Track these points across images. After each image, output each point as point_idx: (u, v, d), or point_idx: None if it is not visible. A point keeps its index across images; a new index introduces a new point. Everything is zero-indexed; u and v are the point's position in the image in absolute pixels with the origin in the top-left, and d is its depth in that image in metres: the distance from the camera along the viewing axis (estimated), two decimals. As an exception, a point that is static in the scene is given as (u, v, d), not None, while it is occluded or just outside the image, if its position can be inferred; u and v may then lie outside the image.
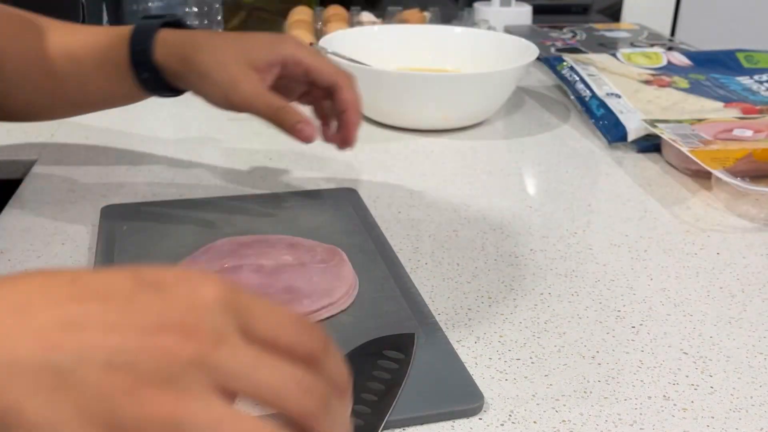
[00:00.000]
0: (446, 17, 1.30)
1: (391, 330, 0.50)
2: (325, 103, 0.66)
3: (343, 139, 0.64)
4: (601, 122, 0.89)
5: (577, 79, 0.98)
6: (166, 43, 0.61)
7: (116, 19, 1.21)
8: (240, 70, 0.58)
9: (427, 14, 1.25)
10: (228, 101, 0.59)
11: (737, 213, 0.71)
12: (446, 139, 0.88)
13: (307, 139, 0.58)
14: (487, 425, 0.43)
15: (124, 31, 0.63)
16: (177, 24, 0.64)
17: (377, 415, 0.42)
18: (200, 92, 0.61)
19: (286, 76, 0.62)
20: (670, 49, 1.18)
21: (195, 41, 0.60)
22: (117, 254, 0.58)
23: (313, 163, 0.80)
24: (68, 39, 0.65)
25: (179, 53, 0.60)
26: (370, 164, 0.80)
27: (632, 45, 1.26)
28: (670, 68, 1.04)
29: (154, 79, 0.62)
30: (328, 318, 0.51)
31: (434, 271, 0.59)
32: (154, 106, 0.98)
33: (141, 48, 0.61)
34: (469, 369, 0.47)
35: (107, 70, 0.63)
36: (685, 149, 0.74)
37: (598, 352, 0.50)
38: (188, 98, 1.01)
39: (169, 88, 0.64)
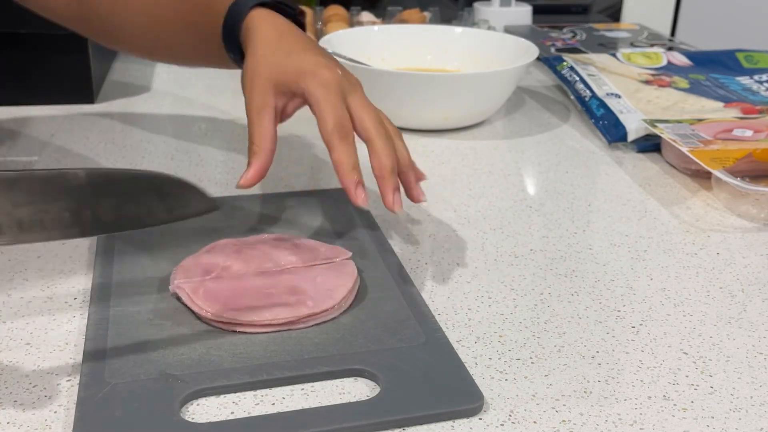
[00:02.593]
0: (446, 17, 1.30)
1: (391, 330, 0.50)
2: None
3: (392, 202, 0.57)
4: (601, 122, 0.89)
5: (577, 79, 0.98)
6: (247, 27, 0.60)
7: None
8: (257, 87, 0.56)
9: (427, 14, 1.25)
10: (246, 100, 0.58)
11: (737, 213, 0.71)
12: (446, 139, 0.88)
13: (241, 187, 0.55)
14: (487, 425, 0.43)
15: (224, 3, 0.62)
16: (277, 5, 0.62)
17: None
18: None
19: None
20: (670, 49, 1.18)
21: (255, 37, 0.59)
22: (117, 254, 0.58)
23: (313, 163, 0.80)
24: None
25: (246, 43, 0.60)
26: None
27: (632, 45, 1.26)
28: (670, 68, 1.04)
29: (241, 57, 0.62)
30: (329, 320, 0.51)
31: (434, 271, 0.59)
32: (154, 106, 0.98)
33: (230, 30, 0.61)
34: (469, 369, 0.47)
35: (204, 41, 0.64)
36: (685, 149, 0.74)
37: (598, 352, 0.50)
38: (188, 98, 1.02)
39: None
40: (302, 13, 0.64)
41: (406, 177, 0.57)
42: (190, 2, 0.64)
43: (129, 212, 0.46)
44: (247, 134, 0.56)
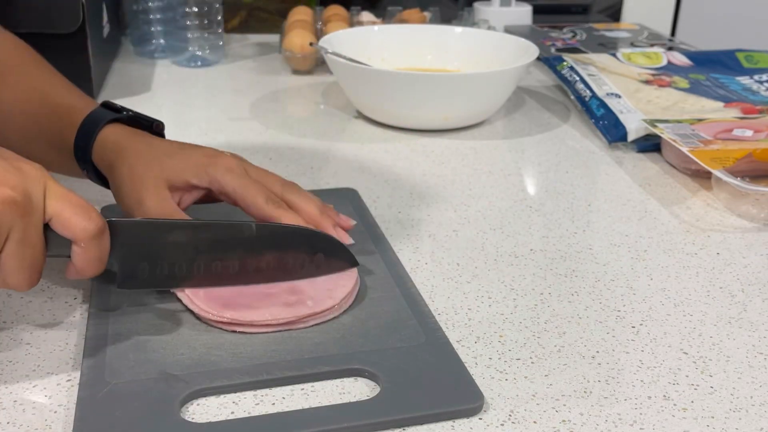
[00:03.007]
0: (446, 17, 1.30)
1: (391, 330, 0.50)
2: None
3: None
4: (601, 122, 0.89)
5: (577, 79, 0.98)
6: (103, 145, 0.58)
7: (116, 19, 1.21)
8: (150, 188, 0.54)
9: (427, 14, 1.25)
10: (133, 216, 0.55)
11: (737, 213, 0.71)
12: (446, 139, 0.88)
13: None
14: (487, 425, 0.43)
15: (80, 115, 0.59)
16: (132, 119, 0.60)
17: None
18: (117, 201, 0.58)
19: (215, 198, 0.58)
20: (670, 49, 1.18)
21: (124, 150, 0.57)
22: (117, 254, 0.58)
23: (313, 162, 0.80)
24: (46, 88, 0.63)
25: (108, 158, 0.57)
26: (370, 164, 0.80)
27: (632, 45, 1.26)
28: (670, 68, 1.04)
29: (94, 173, 0.60)
30: (329, 320, 0.51)
31: (434, 271, 0.59)
32: (153, 106, 0.98)
33: (83, 143, 0.59)
34: (469, 369, 0.47)
35: (56, 149, 0.61)
36: (685, 149, 0.74)
37: (598, 352, 0.50)
38: (187, 99, 1.02)
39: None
40: (161, 124, 0.62)
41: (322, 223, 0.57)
42: (46, 114, 0.62)
43: (286, 264, 0.52)
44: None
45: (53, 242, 0.44)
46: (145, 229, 0.49)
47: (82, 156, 0.59)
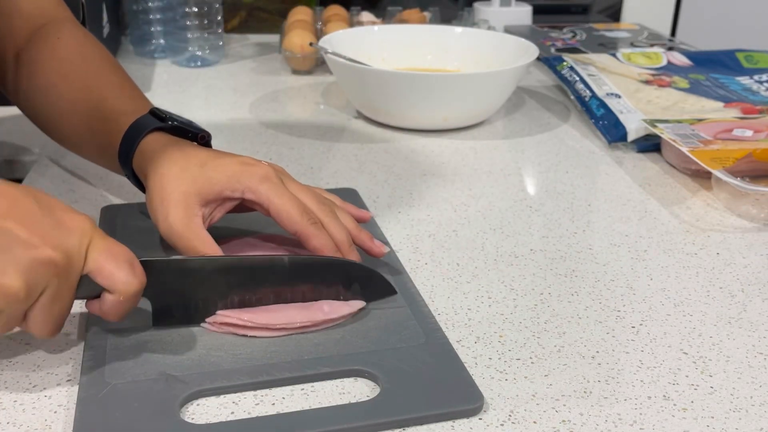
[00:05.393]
0: (446, 17, 1.30)
1: (391, 330, 0.50)
2: None
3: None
4: (601, 122, 0.89)
5: (577, 79, 0.98)
6: (142, 154, 0.58)
7: (116, 19, 1.21)
8: (178, 205, 0.53)
9: (427, 14, 1.25)
10: (157, 228, 0.55)
11: (737, 213, 0.71)
12: (446, 139, 0.88)
13: None
14: (487, 425, 0.43)
15: (127, 120, 0.60)
16: (175, 128, 0.60)
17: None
18: (149, 211, 0.56)
19: (250, 207, 0.56)
20: (670, 49, 1.18)
21: (159, 159, 0.56)
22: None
23: (313, 162, 0.80)
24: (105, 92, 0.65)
25: (145, 168, 0.57)
26: (370, 164, 0.80)
27: (632, 45, 1.26)
28: (670, 68, 1.04)
29: (135, 180, 0.61)
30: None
31: (434, 271, 0.59)
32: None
33: (126, 149, 0.59)
34: (469, 369, 0.47)
35: (104, 153, 0.63)
36: (685, 149, 0.74)
37: (598, 352, 0.50)
38: (187, 99, 1.02)
39: None
40: (207, 135, 0.62)
41: (360, 240, 0.56)
42: (98, 115, 0.63)
43: (322, 294, 0.52)
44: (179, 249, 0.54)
45: (85, 287, 0.44)
46: (177, 269, 0.48)
47: (125, 162, 0.60)
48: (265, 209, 0.54)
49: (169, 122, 0.60)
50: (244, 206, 0.56)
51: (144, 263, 0.46)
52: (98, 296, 0.45)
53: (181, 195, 0.53)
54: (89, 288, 0.44)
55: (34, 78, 0.66)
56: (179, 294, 0.49)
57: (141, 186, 0.60)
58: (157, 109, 0.61)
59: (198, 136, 0.61)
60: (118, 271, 0.44)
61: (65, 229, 0.43)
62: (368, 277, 0.53)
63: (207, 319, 0.50)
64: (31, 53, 0.67)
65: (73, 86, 0.65)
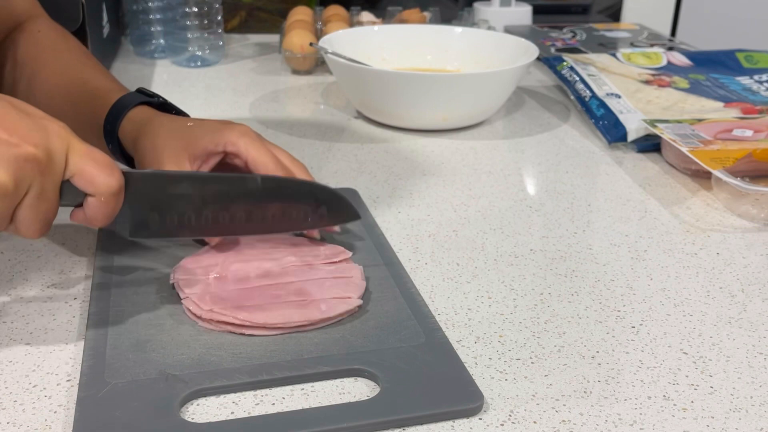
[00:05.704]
0: (446, 17, 1.30)
1: (391, 330, 0.50)
2: None
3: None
4: (601, 122, 0.89)
5: (577, 79, 0.98)
6: (131, 123, 0.62)
7: (116, 19, 1.21)
8: (171, 157, 0.58)
9: (427, 14, 1.25)
10: None
11: (737, 213, 0.71)
12: (446, 139, 0.88)
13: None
14: (487, 425, 0.43)
15: (115, 96, 0.64)
16: (161, 105, 0.65)
17: None
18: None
19: (229, 164, 0.61)
20: (670, 49, 1.18)
21: (149, 124, 0.61)
22: (117, 254, 0.58)
23: (313, 163, 0.80)
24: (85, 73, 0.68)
25: (132, 135, 0.61)
26: (370, 164, 0.80)
27: (632, 45, 1.26)
28: (670, 68, 1.04)
29: (120, 151, 0.64)
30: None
31: (434, 271, 0.59)
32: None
33: (112, 119, 0.63)
34: (469, 369, 0.47)
35: (87, 124, 0.65)
36: (685, 149, 0.74)
37: (598, 352, 0.50)
38: (187, 99, 1.02)
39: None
40: (188, 116, 0.66)
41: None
42: (83, 95, 0.66)
43: (291, 215, 0.55)
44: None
45: (68, 194, 0.46)
46: (155, 180, 0.51)
47: (110, 132, 0.63)
48: (243, 160, 0.58)
49: (156, 99, 0.64)
50: (226, 164, 0.60)
51: (124, 174, 0.48)
52: (81, 205, 0.47)
53: (171, 150, 0.58)
54: (72, 195, 0.46)
55: (17, 68, 0.70)
56: (156, 206, 0.51)
57: (125, 159, 0.64)
58: (143, 88, 0.65)
59: (180, 113, 0.66)
60: (99, 173, 0.46)
61: (44, 130, 0.44)
62: (335, 201, 0.57)
63: (203, 317, 0.50)
64: (13, 45, 0.71)
65: (56, 71, 0.69)
